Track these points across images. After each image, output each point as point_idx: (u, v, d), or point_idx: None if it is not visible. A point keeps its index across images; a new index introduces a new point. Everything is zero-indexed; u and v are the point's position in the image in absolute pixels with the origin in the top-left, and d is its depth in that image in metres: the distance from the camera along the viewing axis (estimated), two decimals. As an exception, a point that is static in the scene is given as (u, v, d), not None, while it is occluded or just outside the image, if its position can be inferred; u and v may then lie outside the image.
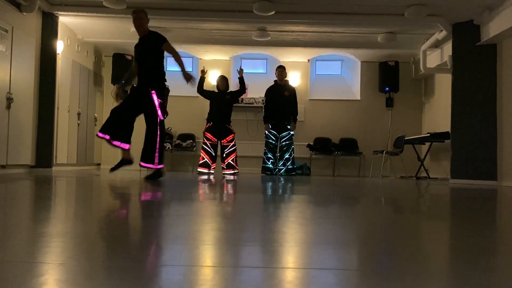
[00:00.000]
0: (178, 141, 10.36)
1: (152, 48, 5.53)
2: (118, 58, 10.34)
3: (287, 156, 8.66)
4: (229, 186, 5.07)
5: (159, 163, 5.52)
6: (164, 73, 5.64)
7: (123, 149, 5.55)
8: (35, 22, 7.66)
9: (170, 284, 1.04)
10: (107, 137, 5.41)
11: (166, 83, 5.67)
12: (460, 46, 7.89)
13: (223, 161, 8.24)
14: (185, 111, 10.45)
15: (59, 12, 7.90)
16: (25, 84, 7.31)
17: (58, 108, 8.16)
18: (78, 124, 9.13)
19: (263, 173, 8.78)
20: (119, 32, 9.09)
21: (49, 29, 7.91)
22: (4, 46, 6.58)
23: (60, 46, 8.15)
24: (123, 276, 1.09)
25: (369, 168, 10.03)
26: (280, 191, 4.47)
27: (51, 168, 7.85)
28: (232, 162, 8.22)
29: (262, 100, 10.07)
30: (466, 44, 7.78)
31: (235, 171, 8.26)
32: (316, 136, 10.53)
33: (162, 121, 5.54)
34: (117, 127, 5.41)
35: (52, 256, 1.31)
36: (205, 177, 7.26)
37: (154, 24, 8.63)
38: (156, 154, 5.48)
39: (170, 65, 11.20)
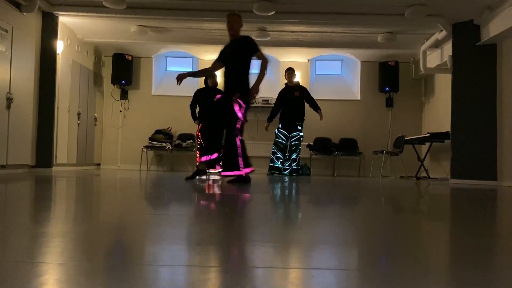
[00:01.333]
0: (178, 141, 10.36)
1: (243, 52, 5.38)
2: (118, 58, 10.35)
3: (294, 157, 8.73)
4: (230, 186, 5.07)
5: (245, 167, 5.31)
6: (249, 79, 5.43)
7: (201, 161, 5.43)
8: (35, 22, 7.66)
9: (170, 284, 1.04)
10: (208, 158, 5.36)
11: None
12: (460, 46, 7.89)
13: None
14: (185, 111, 10.42)
15: (59, 12, 7.90)
16: (25, 84, 7.31)
17: (58, 108, 8.16)
18: (78, 124, 9.13)
19: (270, 173, 8.78)
20: (119, 32, 9.09)
21: (49, 29, 7.91)
22: (4, 46, 6.58)
23: (60, 46, 8.15)
24: (123, 276, 1.09)
25: (369, 168, 10.03)
26: (280, 191, 4.47)
27: (51, 168, 7.85)
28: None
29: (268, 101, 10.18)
30: (466, 44, 7.77)
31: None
32: (316, 136, 10.53)
33: (242, 125, 5.31)
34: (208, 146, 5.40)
35: (52, 256, 1.31)
36: (204, 176, 7.26)
37: (154, 24, 8.67)
38: (240, 159, 5.27)
39: (170, 66, 11.25)
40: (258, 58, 5.39)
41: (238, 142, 5.27)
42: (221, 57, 5.56)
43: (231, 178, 5.36)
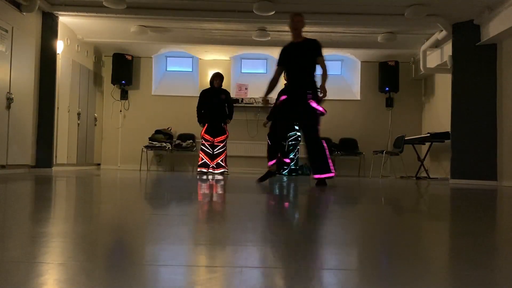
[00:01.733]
0: (178, 141, 10.35)
1: (311, 53, 5.36)
2: (118, 58, 10.35)
3: (291, 156, 8.71)
4: (230, 186, 5.07)
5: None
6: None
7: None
8: (35, 22, 7.66)
9: (170, 284, 1.04)
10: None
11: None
12: (460, 46, 7.89)
13: (212, 160, 8.32)
14: (185, 111, 10.44)
15: (59, 12, 7.90)
16: (25, 84, 7.30)
17: (58, 108, 8.16)
18: (78, 124, 9.13)
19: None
20: (119, 32, 9.09)
21: (49, 29, 7.91)
22: (4, 46, 6.58)
23: (60, 46, 8.14)
24: (123, 276, 1.09)
25: (369, 168, 10.02)
26: (280, 191, 4.47)
27: (51, 168, 7.85)
28: (221, 162, 8.31)
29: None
30: (466, 44, 7.77)
31: (224, 170, 8.34)
32: (316, 136, 10.51)
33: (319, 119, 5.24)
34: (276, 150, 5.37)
35: (52, 256, 1.31)
36: (205, 177, 7.26)
37: (154, 24, 8.67)
38: (329, 161, 5.17)
39: (170, 66, 11.24)
40: (319, 63, 5.32)
41: (324, 144, 5.21)
42: (282, 61, 5.46)
43: (321, 180, 5.20)
